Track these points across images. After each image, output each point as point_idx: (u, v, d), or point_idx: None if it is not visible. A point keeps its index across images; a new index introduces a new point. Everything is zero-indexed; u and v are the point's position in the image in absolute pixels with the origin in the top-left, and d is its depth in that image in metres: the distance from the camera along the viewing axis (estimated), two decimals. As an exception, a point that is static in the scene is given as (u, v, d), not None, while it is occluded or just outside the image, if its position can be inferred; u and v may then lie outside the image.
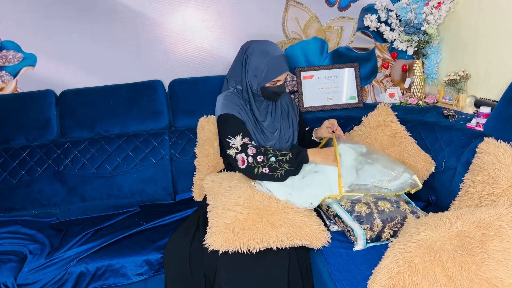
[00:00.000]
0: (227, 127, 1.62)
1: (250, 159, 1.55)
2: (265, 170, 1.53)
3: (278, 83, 1.65)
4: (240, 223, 1.41)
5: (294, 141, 1.80)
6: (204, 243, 1.40)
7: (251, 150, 1.56)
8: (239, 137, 1.58)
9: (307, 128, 1.88)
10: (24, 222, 1.81)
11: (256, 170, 1.54)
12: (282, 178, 1.53)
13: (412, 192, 1.57)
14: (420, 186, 1.56)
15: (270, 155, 1.54)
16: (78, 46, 2.17)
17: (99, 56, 2.20)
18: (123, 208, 1.89)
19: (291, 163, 1.53)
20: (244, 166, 1.56)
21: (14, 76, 2.17)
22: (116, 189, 2.02)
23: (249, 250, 1.37)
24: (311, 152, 1.56)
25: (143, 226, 1.71)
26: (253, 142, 1.59)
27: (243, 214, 1.44)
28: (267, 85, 1.64)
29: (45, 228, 1.78)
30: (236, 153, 1.57)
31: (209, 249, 1.38)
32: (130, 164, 2.03)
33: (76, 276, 1.51)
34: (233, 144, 1.57)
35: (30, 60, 2.16)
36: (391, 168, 1.57)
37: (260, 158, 1.54)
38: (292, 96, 2.34)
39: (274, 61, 1.60)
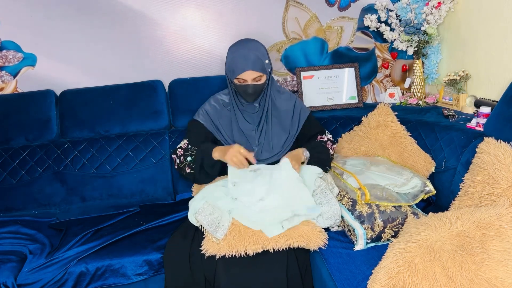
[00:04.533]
0: (186, 132, 1.74)
1: (178, 160, 1.66)
2: (187, 169, 1.63)
3: (245, 83, 1.62)
4: (236, 227, 1.42)
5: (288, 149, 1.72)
6: (201, 249, 1.40)
7: (180, 151, 1.66)
8: (184, 141, 1.69)
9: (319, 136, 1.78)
10: (24, 222, 1.81)
11: (183, 171, 1.64)
12: (200, 178, 1.62)
13: (424, 198, 1.57)
14: (434, 191, 1.56)
15: (188, 155, 1.63)
16: (78, 46, 2.17)
17: (99, 56, 2.20)
18: (123, 208, 1.88)
19: (195, 159, 1.60)
20: (176, 167, 1.69)
21: (14, 76, 2.17)
22: (116, 189, 2.02)
23: (246, 253, 1.37)
24: (216, 149, 1.59)
25: (143, 226, 1.70)
26: (189, 146, 1.66)
27: None
28: (235, 81, 1.63)
29: (45, 228, 1.77)
30: (171, 154, 1.69)
31: (206, 255, 1.39)
32: (130, 164, 2.03)
33: (76, 276, 1.51)
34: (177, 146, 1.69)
35: (30, 60, 2.16)
36: (398, 172, 1.57)
37: (182, 158, 1.64)
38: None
39: (239, 57, 1.59)
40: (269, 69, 1.66)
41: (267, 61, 1.64)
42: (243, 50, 1.59)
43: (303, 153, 1.64)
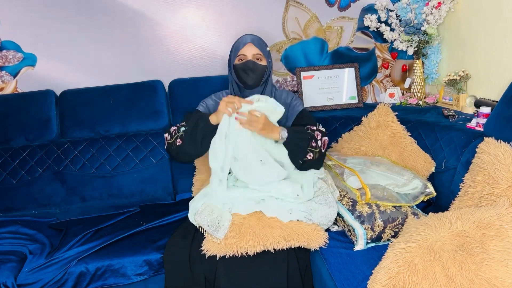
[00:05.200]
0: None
1: (169, 136, 1.59)
2: (178, 141, 1.55)
3: (245, 59, 1.63)
4: (236, 227, 1.42)
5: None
6: (202, 249, 1.40)
7: (173, 128, 1.60)
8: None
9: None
10: (24, 222, 1.81)
11: (173, 145, 1.56)
12: (187, 144, 1.53)
13: (425, 200, 1.57)
14: (434, 194, 1.56)
15: (181, 127, 1.57)
16: (78, 46, 2.17)
17: (99, 56, 2.20)
18: (123, 208, 1.89)
19: (189, 123, 1.54)
20: (166, 146, 1.61)
21: (14, 76, 2.17)
22: (116, 189, 2.02)
23: (246, 253, 1.37)
24: (212, 114, 1.53)
25: (143, 226, 1.70)
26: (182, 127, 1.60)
27: (239, 218, 1.45)
28: (236, 63, 1.64)
29: (45, 228, 1.77)
30: (164, 133, 1.64)
31: (207, 255, 1.39)
32: (130, 164, 2.03)
33: (76, 276, 1.51)
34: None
35: (30, 60, 2.16)
36: (399, 173, 1.58)
37: (174, 132, 1.57)
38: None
39: (241, 39, 1.66)
40: (269, 60, 1.68)
41: (268, 49, 1.67)
42: (245, 36, 1.66)
43: (280, 131, 1.50)
